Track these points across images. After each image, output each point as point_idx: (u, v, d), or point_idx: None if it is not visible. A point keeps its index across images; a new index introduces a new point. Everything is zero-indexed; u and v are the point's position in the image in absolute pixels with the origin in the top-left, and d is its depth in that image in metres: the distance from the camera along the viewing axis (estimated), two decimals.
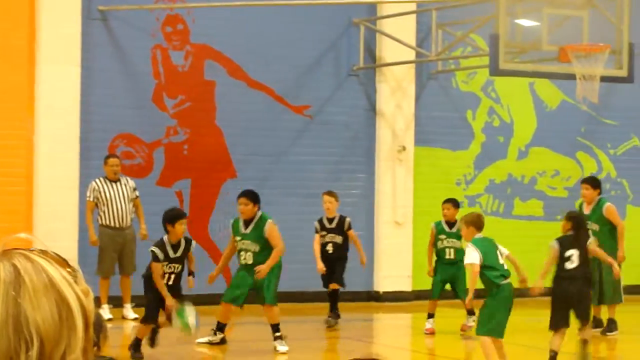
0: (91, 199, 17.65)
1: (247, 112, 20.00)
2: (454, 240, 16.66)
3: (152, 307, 13.77)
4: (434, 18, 20.55)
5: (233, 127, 19.92)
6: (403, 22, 20.79)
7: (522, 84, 21.99)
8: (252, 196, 15.21)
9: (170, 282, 13.79)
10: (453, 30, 20.40)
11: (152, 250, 13.89)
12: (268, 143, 20.17)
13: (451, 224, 16.87)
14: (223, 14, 19.53)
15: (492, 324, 12.46)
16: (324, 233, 17.30)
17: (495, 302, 12.47)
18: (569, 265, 13.41)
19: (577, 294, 13.52)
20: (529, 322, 16.82)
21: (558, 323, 13.43)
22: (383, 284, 20.84)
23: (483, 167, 22.02)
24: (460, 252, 16.10)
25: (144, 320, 13.99)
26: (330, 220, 17.37)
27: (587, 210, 16.86)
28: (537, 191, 22.44)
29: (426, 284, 20.25)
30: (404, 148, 20.96)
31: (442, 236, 16.88)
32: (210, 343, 15.09)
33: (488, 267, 12.68)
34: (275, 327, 14.82)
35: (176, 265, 13.91)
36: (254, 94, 20.08)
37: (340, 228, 17.31)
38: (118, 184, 17.74)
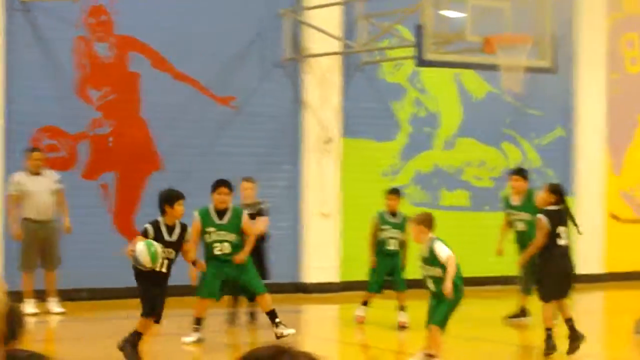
0: (13, 193, 17.53)
1: (173, 104, 19.96)
2: (397, 231, 16.56)
3: (149, 297, 13.23)
4: (360, 9, 20.76)
5: (158, 119, 19.87)
6: (329, 14, 20.86)
7: (448, 75, 22.17)
8: (231, 185, 15.21)
9: (164, 269, 13.10)
10: (379, 22, 20.52)
11: (145, 227, 13.36)
12: (194, 135, 20.16)
13: (394, 214, 16.71)
14: (147, 5, 19.55)
15: (447, 318, 12.50)
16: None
17: (454, 298, 12.50)
18: (561, 242, 13.63)
19: (571, 270, 13.86)
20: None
21: (552, 295, 13.69)
22: (310, 275, 20.93)
23: (409, 158, 22.15)
24: (400, 243, 16.28)
25: (145, 314, 13.29)
26: (247, 207, 16.38)
27: (515, 202, 16.98)
28: (463, 181, 22.64)
29: (354, 275, 20.41)
30: (330, 139, 21.05)
31: (385, 227, 16.55)
32: (199, 340, 14.83)
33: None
34: (273, 314, 14.81)
35: (170, 251, 13.22)
36: (179, 86, 20.05)
37: (258, 215, 16.47)
38: (41, 177, 17.62)
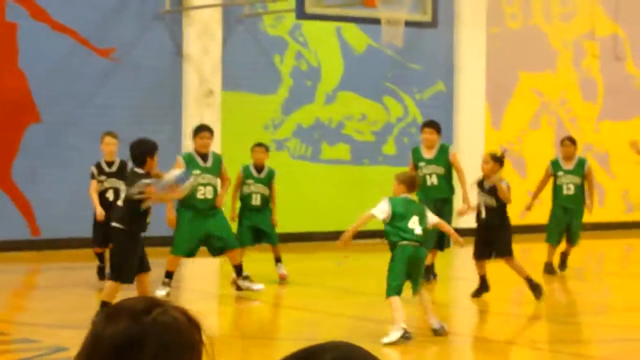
0: None
1: (51, 55, 19.85)
2: (262, 185, 16.57)
3: (128, 264, 12.85)
4: None
5: (37, 70, 19.73)
6: None
7: (329, 29, 22.22)
8: (212, 130, 15.64)
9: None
10: None
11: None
12: (73, 87, 20.05)
13: (259, 168, 16.57)
14: None
15: (396, 283, 12.50)
16: (102, 178, 15.91)
17: (394, 263, 12.56)
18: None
19: None
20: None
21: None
22: None
23: (291, 112, 22.25)
24: (264, 198, 16.38)
25: (120, 280, 12.86)
26: (110, 164, 16.06)
27: (428, 155, 16.58)
28: (344, 135, 22.77)
29: (233, 226, 20.56)
30: (211, 92, 21.08)
31: (250, 181, 16.44)
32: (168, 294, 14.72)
33: (393, 227, 12.61)
34: (239, 268, 15.15)
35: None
36: (57, 37, 19.92)
37: (121, 173, 15.61)
38: None
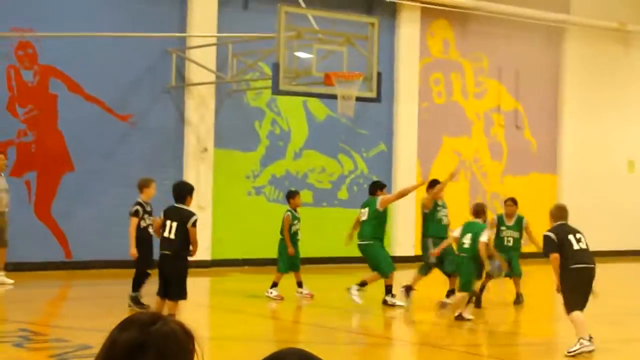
0: None
1: (83, 120, 19.83)
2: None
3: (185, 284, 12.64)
4: (230, 50, 20.76)
5: (72, 131, 19.73)
6: (206, 52, 20.90)
7: (298, 102, 22.19)
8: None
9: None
10: (245, 59, 20.55)
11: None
12: (99, 144, 20.03)
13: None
14: (65, 41, 19.29)
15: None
16: (145, 216, 15.01)
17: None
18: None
19: None
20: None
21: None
22: None
23: (267, 165, 22.16)
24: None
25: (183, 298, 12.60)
26: (148, 204, 15.27)
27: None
28: (308, 184, 22.61)
29: (222, 254, 20.77)
30: (205, 149, 21.09)
31: (295, 222, 16.63)
32: None
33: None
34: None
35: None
36: (88, 106, 19.92)
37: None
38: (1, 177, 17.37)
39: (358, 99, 18.10)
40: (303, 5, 19.14)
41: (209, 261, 20.98)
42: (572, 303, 11.87)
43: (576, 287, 11.85)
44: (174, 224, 12.36)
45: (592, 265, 12.05)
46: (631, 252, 27.34)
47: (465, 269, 14.49)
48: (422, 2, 24.10)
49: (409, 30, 24.06)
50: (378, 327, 14.89)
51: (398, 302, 15.67)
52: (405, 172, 24.03)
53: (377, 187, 16.59)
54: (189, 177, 20.78)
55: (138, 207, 14.25)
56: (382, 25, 19.91)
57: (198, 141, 21.10)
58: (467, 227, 14.58)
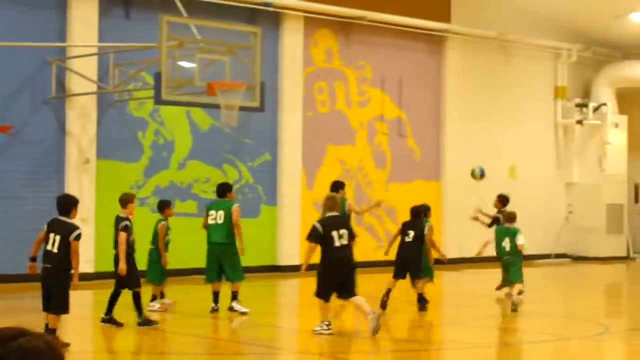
0: None
1: None
2: None
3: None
4: (112, 59, 20.72)
5: None
6: (87, 62, 20.76)
7: (181, 111, 22.18)
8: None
9: None
10: (127, 69, 20.52)
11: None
12: None
13: None
14: None
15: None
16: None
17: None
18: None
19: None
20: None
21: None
22: None
23: (151, 175, 22.14)
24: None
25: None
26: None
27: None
28: (192, 194, 22.65)
29: (105, 266, 20.57)
30: (88, 160, 20.94)
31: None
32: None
33: None
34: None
35: None
36: None
37: None
38: None
39: (242, 108, 18.30)
40: (185, 14, 19.20)
41: (92, 274, 20.85)
42: (322, 290, 13.65)
43: (328, 277, 13.53)
44: (57, 237, 12.27)
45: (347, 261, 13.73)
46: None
47: (514, 266, 16.92)
48: (305, 12, 24.38)
49: (292, 39, 24.31)
50: (264, 337, 15.03)
51: (243, 309, 15.95)
52: (291, 181, 24.31)
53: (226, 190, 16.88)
54: (71, 189, 20.63)
55: (128, 223, 14.07)
56: (265, 34, 20.15)
57: (80, 152, 20.98)
58: (504, 232, 16.84)
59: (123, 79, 20.65)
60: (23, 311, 14.77)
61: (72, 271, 12.36)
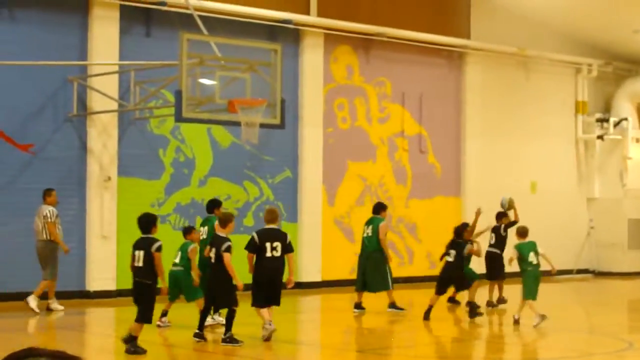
0: None
1: None
2: None
3: (152, 307, 13.46)
4: (133, 77, 20.78)
5: None
6: (108, 80, 20.81)
7: (201, 129, 22.24)
8: None
9: None
10: (147, 87, 20.58)
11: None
12: None
13: None
14: None
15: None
16: None
17: None
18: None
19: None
20: None
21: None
22: (93, 284, 20.77)
23: (172, 193, 22.15)
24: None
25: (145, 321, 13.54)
26: None
27: None
28: None
29: (128, 283, 20.60)
30: (109, 178, 20.98)
31: None
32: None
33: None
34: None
35: None
36: None
37: None
38: None
39: (262, 125, 18.22)
40: (205, 32, 19.25)
41: (114, 291, 20.89)
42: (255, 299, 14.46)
43: (258, 286, 14.33)
44: (141, 253, 13.29)
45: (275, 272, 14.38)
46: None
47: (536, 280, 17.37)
48: (325, 29, 24.43)
49: (312, 56, 24.35)
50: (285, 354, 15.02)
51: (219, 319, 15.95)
52: (311, 197, 24.31)
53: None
54: (93, 206, 20.73)
55: (229, 243, 14.27)
56: (285, 51, 20.20)
57: (101, 170, 21.01)
58: (526, 247, 17.28)
59: (144, 97, 20.72)
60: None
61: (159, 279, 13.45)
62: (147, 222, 13.48)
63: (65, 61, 20.46)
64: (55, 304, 18.60)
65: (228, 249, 14.14)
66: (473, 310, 17.92)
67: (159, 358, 14.06)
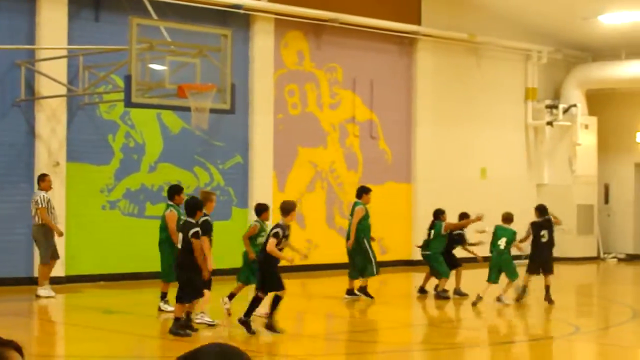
0: None
1: None
2: None
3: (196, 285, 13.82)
4: (82, 62, 20.64)
5: None
6: (57, 65, 20.68)
7: (151, 114, 22.19)
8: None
9: None
10: (97, 71, 20.46)
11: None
12: None
13: None
14: None
15: None
16: None
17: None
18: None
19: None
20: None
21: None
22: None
23: (121, 178, 22.06)
24: None
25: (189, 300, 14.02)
26: None
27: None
28: (163, 197, 21.70)
29: (76, 269, 20.52)
30: (57, 163, 20.88)
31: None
32: None
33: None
34: None
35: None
36: None
37: None
38: None
39: (212, 110, 18.23)
40: (155, 17, 19.18)
41: (64, 277, 20.78)
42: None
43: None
44: (182, 236, 13.81)
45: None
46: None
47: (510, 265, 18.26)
48: (276, 14, 24.41)
49: (262, 41, 24.33)
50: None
51: (169, 308, 15.96)
52: (262, 183, 24.34)
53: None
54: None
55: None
56: (235, 36, 20.18)
57: (50, 155, 20.90)
58: (503, 232, 18.31)
59: (93, 82, 20.61)
60: None
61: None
62: (194, 205, 13.81)
63: (12, 45, 20.29)
64: (43, 291, 18.52)
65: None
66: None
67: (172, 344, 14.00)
